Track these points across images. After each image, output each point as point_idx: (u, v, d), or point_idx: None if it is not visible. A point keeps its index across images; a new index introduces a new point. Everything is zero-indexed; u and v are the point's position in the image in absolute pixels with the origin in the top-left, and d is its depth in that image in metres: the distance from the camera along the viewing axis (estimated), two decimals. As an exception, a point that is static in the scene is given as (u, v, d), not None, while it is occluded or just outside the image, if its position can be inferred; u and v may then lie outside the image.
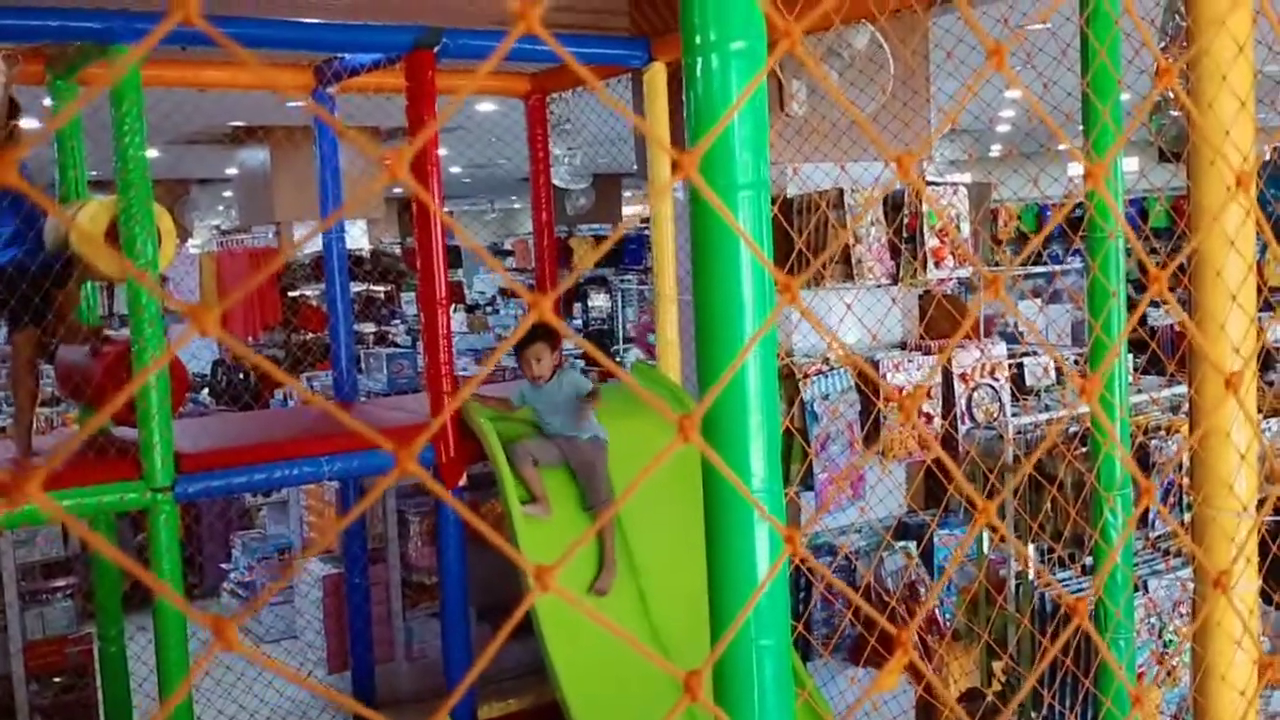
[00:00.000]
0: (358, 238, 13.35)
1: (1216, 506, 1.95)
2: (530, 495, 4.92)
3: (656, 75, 5.58)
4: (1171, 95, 3.56)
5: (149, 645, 4.98)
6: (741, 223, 1.79)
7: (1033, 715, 4.23)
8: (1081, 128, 3.25)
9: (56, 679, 6.00)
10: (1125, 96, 3.31)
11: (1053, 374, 5.71)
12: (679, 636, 4.79)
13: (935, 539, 5.34)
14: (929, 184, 5.53)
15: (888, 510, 5.55)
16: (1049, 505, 4.41)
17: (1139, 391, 4.99)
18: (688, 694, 0.77)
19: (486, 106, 9.97)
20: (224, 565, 8.31)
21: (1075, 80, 3.21)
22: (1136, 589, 4.21)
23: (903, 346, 5.65)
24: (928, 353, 5.45)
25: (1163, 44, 3.69)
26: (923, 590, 5.23)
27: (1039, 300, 9.53)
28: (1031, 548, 4.70)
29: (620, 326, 15.46)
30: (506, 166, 15.61)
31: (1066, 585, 4.48)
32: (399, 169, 0.67)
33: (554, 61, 5.82)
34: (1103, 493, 3.32)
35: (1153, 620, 4.39)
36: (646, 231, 6.62)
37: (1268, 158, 4.66)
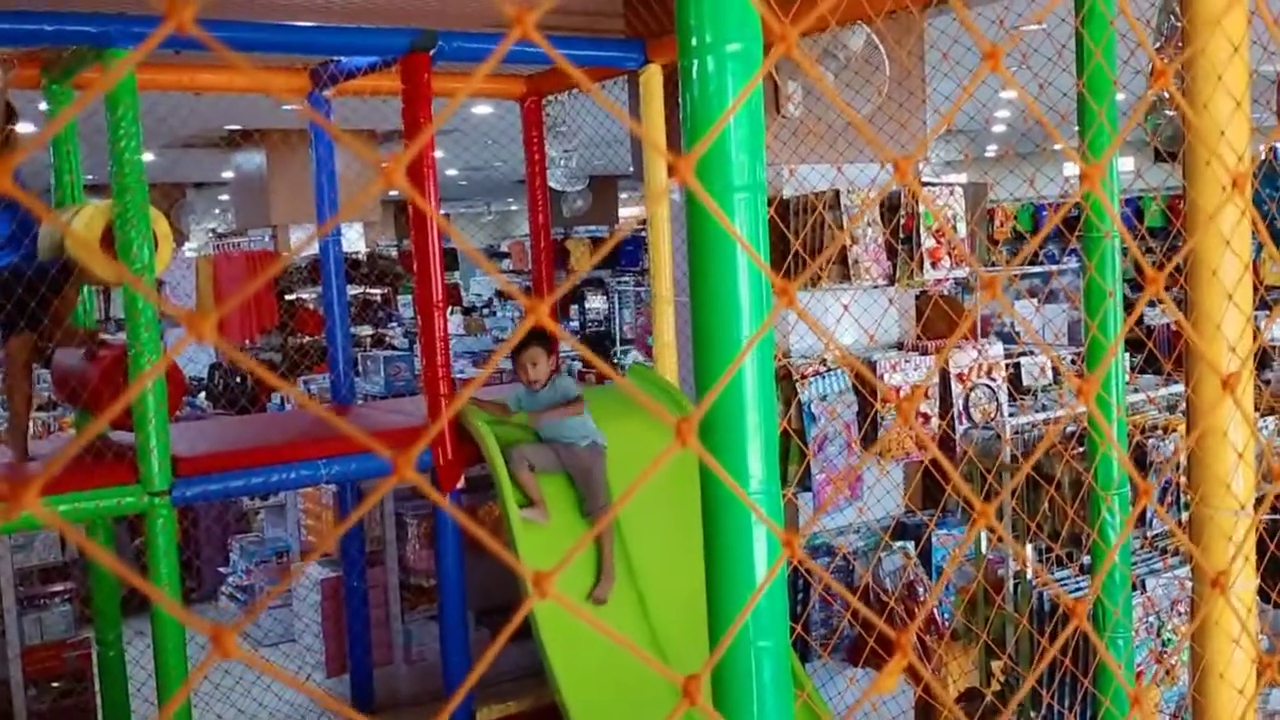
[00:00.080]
0: (354, 240, 13.33)
1: (1214, 505, 1.95)
2: (528, 500, 4.91)
3: (652, 77, 5.58)
4: (1167, 95, 3.57)
5: (147, 650, 4.98)
6: (738, 225, 1.80)
7: (1032, 715, 4.24)
8: (1077, 128, 3.26)
9: (54, 684, 5.99)
10: (1121, 97, 3.31)
11: (1050, 374, 5.71)
12: (678, 639, 4.79)
13: (933, 539, 5.34)
14: (925, 185, 5.53)
15: (886, 510, 5.55)
16: (1047, 505, 4.41)
17: (1136, 391, 5.00)
18: (686, 698, 0.77)
19: (482, 109, 9.97)
20: (222, 569, 8.30)
21: (1071, 81, 3.22)
22: (1134, 588, 4.21)
23: (900, 347, 5.65)
24: (925, 353, 5.45)
25: (1158, 44, 3.70)
26: (921, 590, 5.23)
27: (1036, 300, 9.53)
28: (1029, 547, 4.70)
29: (617, 328, 15.46)
30: (503, 169, 15.62)
31: (1064, 585, 4.48)
32: (395, 176, 0.67)
33: (550, 64, 5.83)
34: (1100, 492, 3.32)
35: (1151, 619, 4.40)
36: (643, 233, 6.62)
37: (1263, 158, 4.67)
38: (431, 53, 5.03)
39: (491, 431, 5.03)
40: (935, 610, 5.18)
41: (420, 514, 6.41)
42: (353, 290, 10.84)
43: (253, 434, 5.77)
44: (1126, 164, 13.69)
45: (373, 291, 12.35)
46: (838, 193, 5.19)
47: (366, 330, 11.87)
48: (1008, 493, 4.47)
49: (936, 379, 5.30)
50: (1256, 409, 4.47)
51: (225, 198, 17.73)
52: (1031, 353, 5.74)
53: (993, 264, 9.57)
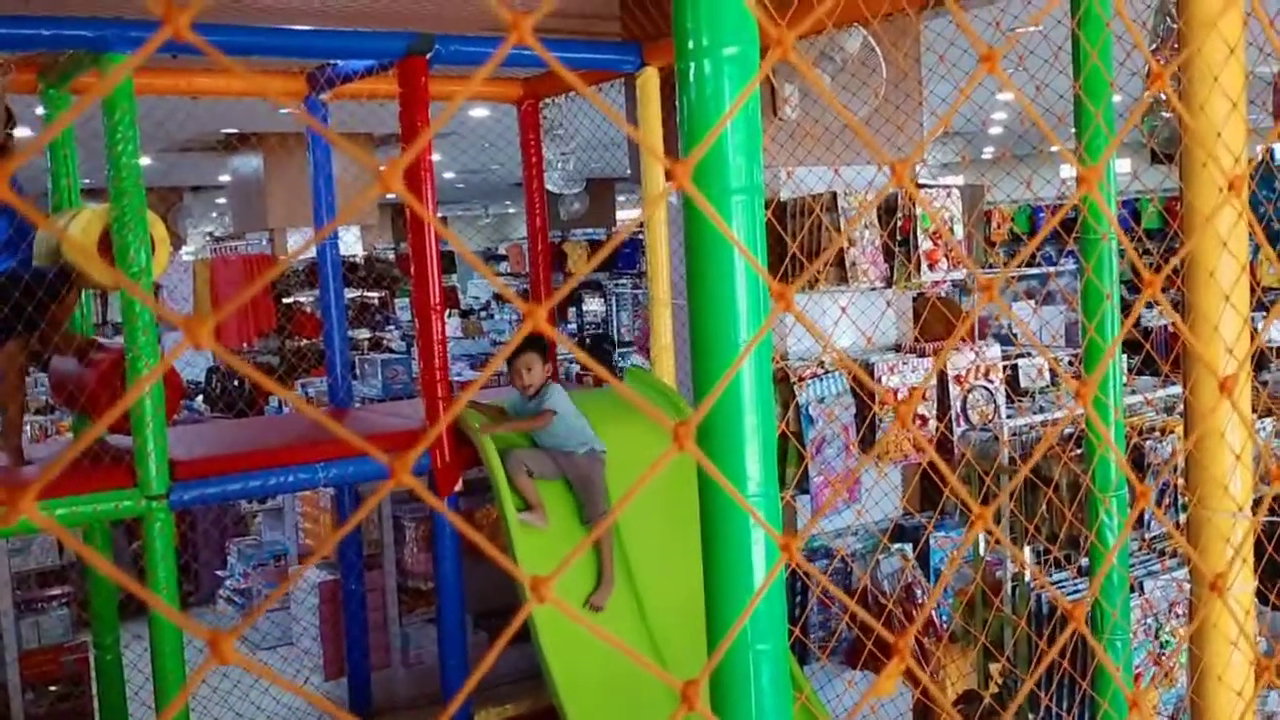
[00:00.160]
0: (351, 244, 13.34)
1: (1212, 507, 1.95)
2: (526, 505, 4.90)
3: (649, 80, 5.58)
4: (1163, 97, 3.57)
5: (145, 653, 4.98)
6: (735, 228, 1.80)
7: (1030, 717, 4.23)
8: (1074, 130, 3.26)
9: (52, 688, 5.98)
10: (1117, 99, 3.32)
11: (1047, 376, 5.72)
12: (676, 642, 4.79)
13: (931, 541, 5.34)
14: (922, 187, 5.53)
15: (884, 513, 5.55)
16: (1045, 507, 4.41)
17: (1133, 393, 5.00)
18: (685, 702, 0.77)
19: (479, 112, 9.97)
20: (220, 572, 8.29)
21: (1067, 83, 3.22)
22: (1132, 590, 4.21)
23: (897, 349, 5.65)
24: (922, 355, 5.45)
25: (1154, 46, 3.70)
26: (919, 592, 5.23)
27: (1033, 302, 9.54)
28: (1027, 549, 4.70)
29: (615, 331, 15.46)
30: (500, 172, 15.62)
31: (1062, 587, 4.48)
32: (393, 180, 0.67)
33: (547, 67, 5.82)
34: (1098, 494, 3.32)
35: (1149, 621, 4.40)
36: (641, 236, 6.62)
37: (1259, 159, 4.67)
38: (428, 56, 5.03)
39: (490, 439, 5.02)
40: (933, 612, 5.18)
41: (418, 517, 6.41)
42: (350, 293, 10.85)
43: (250, 437, 5.76)
44: (1123, 166, 13.71)
45: (370, 295, 12.34)
46: (835, 195, 5.19)
47: (364, 333, 11.86)
48: (1006, 495, 4.47)
49: (934, 381, 5.31)
50: (1254, 410, 4.48)
51: (222, 201, 17.74)
52: (1029, 355, 5.74)
53: (990, 266, 9.58)
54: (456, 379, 8.49)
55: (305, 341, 11.05)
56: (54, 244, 4.68)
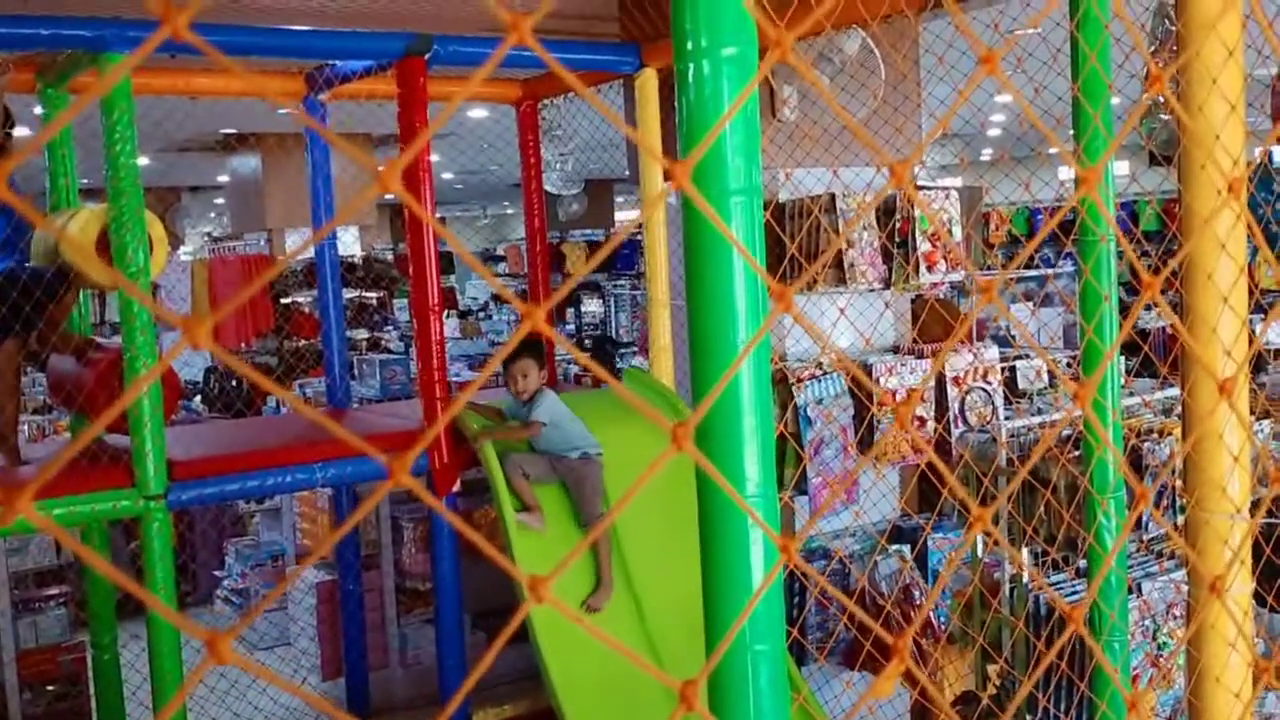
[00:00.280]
0: (350, 244, 13.34)
1: (1210, 509, 1.95)
2: (523, 506, 4.90)
3: (648, 81, 5.58)
4: (1162, 100, 3.57)
5: (142, 653, 4.97)
6: (734, 229, 1.79)
7: (1028, 719, 4.24)
8: (1072, 132, 3.26)
9: (50, 688, 5.97)
10: (1116, 101, 3.32)
11: (1045, 377, 5.72)
12: (674, 642, 4.78)
13: (929, 542, 5.34)
14: (920, 189, 5.54)
15: (882, 514, 5.55)
16: (1043, 508, 4.42)
17: (1131, 394, 5.00)
18: (683, 703, 0.77)
19: (478, 113, 9.98)
20: (217, 572, 8.29)
21: (1066, 85, 3.22)
22: (1130, 591, 4.21)
23: (896, 350, 5.65)
24: (921, 356, 5.45)
25: (1153, 48, 3.70)
26: (917, 594, 5.23)
27: (1031, 304, 9.55)
28: (1026, 551, 4.70)
29: (613, 332, 15.45)
30: (498, 172, 15.63)
31: (1060, 588, 4.48)
32: (391, 180, 0.67)
33: (546, 68, 5.83)
34: (1096, 496, 3.32)
35: (1147, 623, 4.40)
36: (639, 237, 6.62)
37: (1258, 162, 4.68)
38: (427, 57, 5.03)
39: (489, 441, 5.02)
40: (931, 614, 5.18)
41: (416, 517, 6.41)
42: (348, 294, 10.84)
43: (248, 437, 5.76)
44: (1122, 168, 13.71)
45: (368, 295, 12.34)
46: (833, 196, 5.19)
47: (362, 334, 11.86)
48: (1004, 496, 4.48)
49: (932, 382, 5.31)
50: (1252, 412, 4.48)
51: (220, 201, 17.74)
52: (1027, 356, 5.74)
53: (988, 268, 9.59)
54: (454, 380, 8.49)
55: (303, 342, 11.04)
56: (52, 244, 4.67)
